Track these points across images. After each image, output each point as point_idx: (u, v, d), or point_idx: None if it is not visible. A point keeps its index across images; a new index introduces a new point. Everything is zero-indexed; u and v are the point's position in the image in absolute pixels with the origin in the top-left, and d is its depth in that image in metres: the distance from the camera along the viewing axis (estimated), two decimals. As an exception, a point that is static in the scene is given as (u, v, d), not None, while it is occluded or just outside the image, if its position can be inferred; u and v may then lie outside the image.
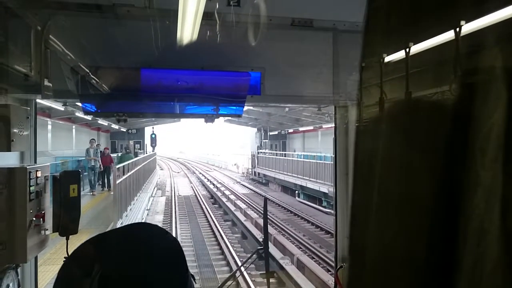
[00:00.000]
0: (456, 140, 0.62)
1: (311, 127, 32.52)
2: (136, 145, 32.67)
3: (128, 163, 15.48)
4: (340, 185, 3.17)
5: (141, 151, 31.59)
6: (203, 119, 2.74)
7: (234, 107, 2.75)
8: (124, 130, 31.78)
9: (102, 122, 24.89)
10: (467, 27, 0.92)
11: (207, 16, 2.56)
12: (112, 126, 28.36)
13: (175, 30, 2.63)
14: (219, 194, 26.12)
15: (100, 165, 18.01)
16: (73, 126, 24.80)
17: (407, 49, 1.06)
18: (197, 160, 76.99)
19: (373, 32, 0.88)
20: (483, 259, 0.53)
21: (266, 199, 2.85)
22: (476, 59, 0.72)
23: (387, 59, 0.98)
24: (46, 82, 2.51)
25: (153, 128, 29.67)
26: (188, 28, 2.65)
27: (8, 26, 2.37)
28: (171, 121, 34.72)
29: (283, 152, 35.48)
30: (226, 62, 2.70)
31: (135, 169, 16.73)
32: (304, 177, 25.06)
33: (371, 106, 1.12)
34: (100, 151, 18.89)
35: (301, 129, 35.05)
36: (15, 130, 2.29)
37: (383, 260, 0.69)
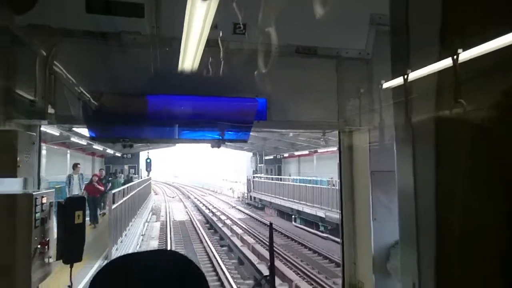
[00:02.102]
0: None
1: (306, 152, 32.55)
2: (130, 169, 32.30)
3: (122, 189, 15.24)
4: (346, 211, 3.13)
5: (136, 175, 31.10)
6: (209, 144, 2.76)
7: (241, 133, 2.77)
8: (119, 155, 31.57)
9: (96, 147, 24.68)
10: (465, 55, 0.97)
11: (213, 44, 2.60)
12: (107, 151, 28.13)
13: (181, 57, 2.67)
14: (214, 219, 25.76)
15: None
16: (68, 151, 24.59)
17: (407, 75, 1.09)
18: (192, 185, 76.33)
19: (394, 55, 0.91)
20: None
21: (271, 225, 2.82)
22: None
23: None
24: (50, 108, 2.52)
25: (148, 152, 29.50)
26: (193, 55, 2.68)
27: (14, 53, 2.39)
28: (166, 146, 34.54)
29: (279, 177, 35.34)
30: (232, 89, 2.73)
31: (130, 195, 16.52)
32: (301, 202, 24.87)
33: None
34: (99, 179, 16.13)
35: (296, 153, 35.07)
36: (20, 156, 2.27)
37: None
